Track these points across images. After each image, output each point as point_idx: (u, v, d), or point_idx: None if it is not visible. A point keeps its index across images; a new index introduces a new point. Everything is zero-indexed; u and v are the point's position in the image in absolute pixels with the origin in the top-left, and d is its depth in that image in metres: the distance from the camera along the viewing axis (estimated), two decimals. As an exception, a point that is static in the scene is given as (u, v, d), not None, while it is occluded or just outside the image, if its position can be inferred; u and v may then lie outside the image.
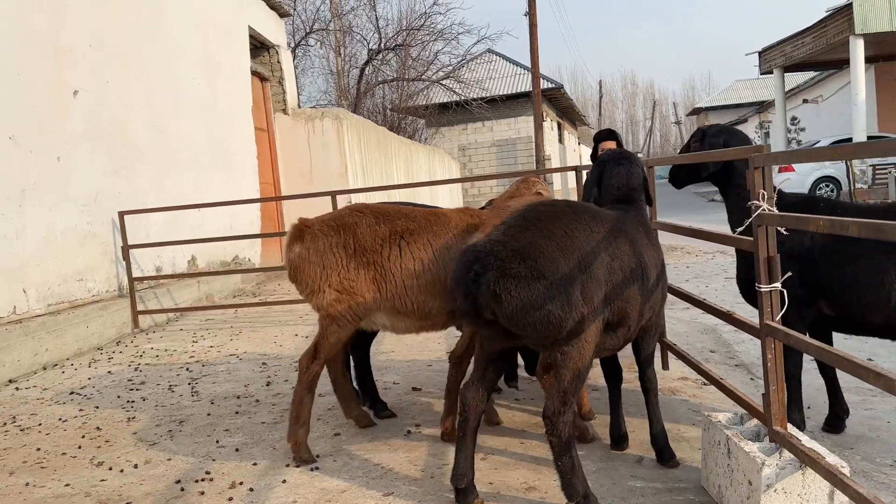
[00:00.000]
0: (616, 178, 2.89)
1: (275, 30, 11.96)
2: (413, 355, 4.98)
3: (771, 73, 23.20)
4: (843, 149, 1.83)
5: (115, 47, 7.08)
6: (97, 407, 4.26)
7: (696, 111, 55.71)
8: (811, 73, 27.01)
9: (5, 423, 4.06)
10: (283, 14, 12.44)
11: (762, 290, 2.27)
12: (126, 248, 6.76)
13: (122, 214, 6.74)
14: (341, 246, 3.03)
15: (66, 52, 6.27)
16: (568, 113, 35.47)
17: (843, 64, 20.67)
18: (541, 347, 2.40)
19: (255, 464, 3.11)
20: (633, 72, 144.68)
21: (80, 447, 3.55)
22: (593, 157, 6.58)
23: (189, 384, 4.65)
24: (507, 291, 2.13)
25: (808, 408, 3.75)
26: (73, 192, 6.26)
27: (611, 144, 5.98)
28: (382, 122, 22.09)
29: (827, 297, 2.89)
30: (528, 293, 2.13)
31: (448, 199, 21.57)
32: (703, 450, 2.68)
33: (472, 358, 2.70)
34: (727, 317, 2.77)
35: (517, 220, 2.36)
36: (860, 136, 17.77)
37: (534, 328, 2.18)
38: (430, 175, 20.60)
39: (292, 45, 20.25)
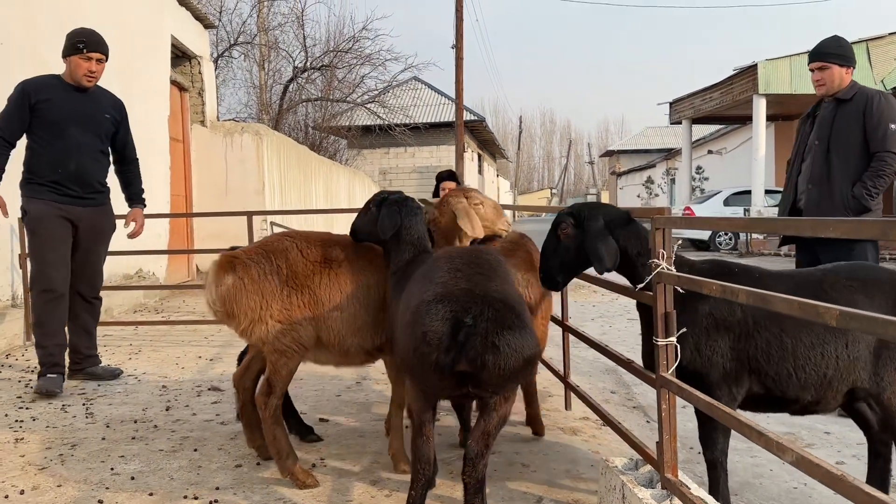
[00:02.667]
0: (418, 226, 3.02)
1: (198, 40, 11.72)
2: (322, 384, 4.94)
3: (680, 123, 24.58)
4: (737, 221, 1.99)
5: (27, 48, 6.77)
6: (-22, 427, 4.00)
7: (608, 153, 58.09)
8: (717, 126, 28.77)
9: None
10: (207, 25, 12.22)
11: (659, 342, 2.42)
12: (23, 256, 6.40)
13: (21, 220, 6.37)
14: (275, 272, 2.96)
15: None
16: (488, 145, 36.27)
17: (746, 120, 22.15)
18: (490, 395, 2.33)
19: (151, 494, 3.01)
20: (552, 110, 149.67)
21: (-44, 472, 3.32)
22: (435, 195, 6.79)
23: (83, 405, 4.43)
24: (506, 343, 2.11)
25: (699, 453, 3.97)
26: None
27: (451, 185, 6.20)
28: (304, 139, 21.89)
29: (759, 373, 2.56)
30: (522, 343, 2.15)
31: (365, 222, 21.48)
32: (599, 493, 2.79)
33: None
34: (626, 365, 2.91)
35: (468, 268, 2.40)
36: (759, 189, 19.02)
37: (516, 377, 2.23)
38: (349, 196, 20.52)
39: (215, 55, 19.86)
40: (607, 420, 3.25)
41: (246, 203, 10.94)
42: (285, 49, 23.01)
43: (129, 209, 4.92)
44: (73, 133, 4.49)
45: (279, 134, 14.71)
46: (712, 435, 2.63)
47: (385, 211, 2.98)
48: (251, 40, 21.84)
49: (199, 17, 11.63)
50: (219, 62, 20.48)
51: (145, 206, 5.00)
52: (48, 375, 4.55)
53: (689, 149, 24.26)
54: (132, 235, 4.90)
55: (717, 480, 2.65)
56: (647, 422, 4.51)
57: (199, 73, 11.78)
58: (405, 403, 3.01)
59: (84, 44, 4.47)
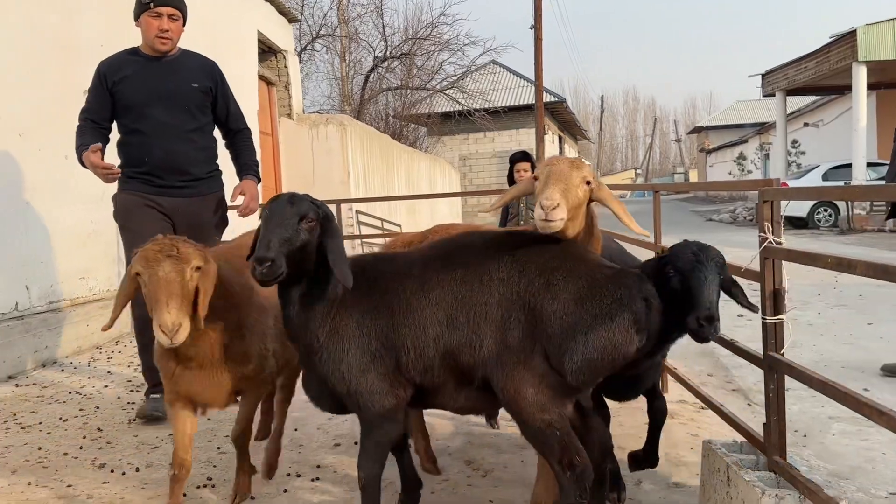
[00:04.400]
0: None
1: (283, 35, 12.03)
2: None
3: (773, 95, 23.42)
4: (853, 190, 1.87)
5: (125, 48, 7.12)
6: (97, 407, 4.28)
7: (696, 130, 56.04)
8: (813, 97, 27.23)
9: (6, 421, 4.08)
10: (291, 19, 12.52)
11: (767, 321, 2.31)
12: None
13: (114, 213, 6.74)
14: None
15: (76, 51, 6.31)
16: (569, 127, 35.70)
17: (844, 89, 20.89)
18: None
19: (256, 472, 3.14)
20: (634, 88, 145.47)
21: (81, 447, 3.57)
22: (510, 179, 6.64)
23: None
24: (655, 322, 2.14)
25: (805, 436, 3.80)
26: (77, 190, 6.28)
27: (525, 165, 6.05)
28: (385, 128, 22.18)
29: None
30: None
31: (447, 210, 21.65)
32: (701, 476, 2.71)
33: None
34: (730, 345, 2.81)
35: (564, 252, 2.26)
36: (860, 163, 17.91)
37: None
38: (430, 183, 20.67)
39: (298, 49, 20.34)
40: (708, 403, 3.15)
41: (332, 192, 11.19)
42: (365, 39, 23.35)
43: (239, 181, 4.04)
44: (156, 114, 3.77)
45: (362, 124, 14.97)
46: None
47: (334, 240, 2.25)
48: (332, 32, 22.26)
49: (283, 11, 11.93)
50: (302, 56, 20.98)
51: (259, 179, 4.13)
52: (152, 396, 3.98)
53: (783, 122, 23.11)
54: (243, 212, 3.96)
55: None
56: (749, 405, 4.35)
57: (285, 66, 12.10)
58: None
59: None
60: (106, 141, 3.86)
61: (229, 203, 4.11)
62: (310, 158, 12.38)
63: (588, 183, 2.33)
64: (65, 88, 6.12)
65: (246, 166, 4.14)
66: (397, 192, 16.47)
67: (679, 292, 2.21)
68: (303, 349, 2.33)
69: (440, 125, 25.47)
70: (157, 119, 3.78)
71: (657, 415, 2.82)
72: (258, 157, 9.34)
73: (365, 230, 12.78)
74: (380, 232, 13.00)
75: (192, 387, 2.62)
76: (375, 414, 2.24)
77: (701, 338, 2.16)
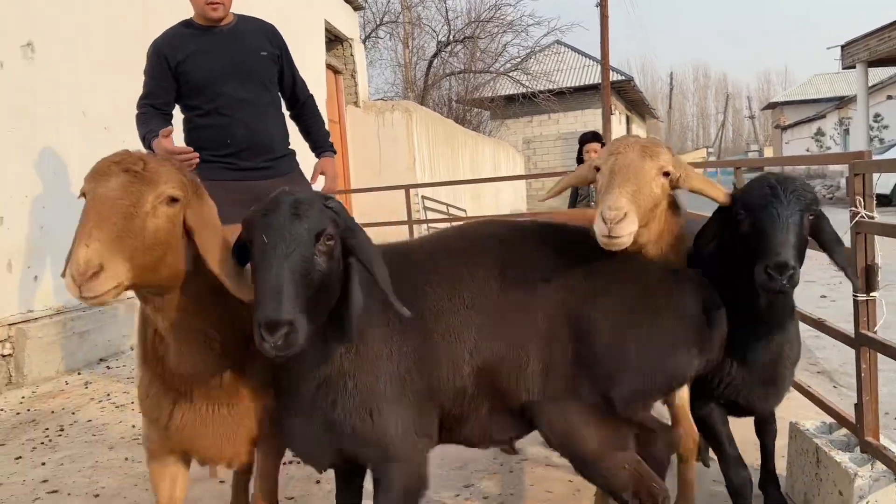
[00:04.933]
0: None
1: (349, 23, 12.17)
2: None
3: (853, 67, 22.28)
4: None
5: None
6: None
7: (771, 105, 53.92)
8: (897, 68, 25.77)
9: (101, 400, 4.32)
10: (356, 7, 12.65)
11: (859, 299, 2.23)
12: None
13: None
14: None
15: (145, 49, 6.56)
16: (637, 106, 34.89)
17: (933, 58, 19.65)
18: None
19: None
20: (705, 64, 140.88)
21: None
22: (579, 160, 6.47)
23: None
24: None
25: (886, 413, 3.64)
26: (160, 181, 6.55)
27: (596, 146, 5.88)
28: (448, 113, 22.19)
29: None
30: None
31: (512, 194, 21.54)
32: (788, 457, 2.64)
33: None
34: (817, 323, 2.71)
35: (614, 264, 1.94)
36: (950, 135, 16.88)
37: None
38: (494, 167, 20.59)
39: (363, 37, 20.54)
40: (794, 384, 3.05)
41: (398, 179, 11.30)
42: (428, 24, 23.37)
43: (317, 161, 3.73)
44: (230, 90, 3.32)
45: (427, 109, 15.02)
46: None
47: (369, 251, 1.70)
48: (396, 19, 22.37)
49: None
50: (366, 43, 21.18)
51: (335, 153, 3.82)
52: None
53: (865, 95, 21.96)
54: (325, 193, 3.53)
55: None
56: (834, 387, 4.19)
57: (351, 55, 12.25)
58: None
59: None
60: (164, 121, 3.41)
61: (311, 183, 3.68)
62: (376, 146, 12.50)
63: (667, 174, 1.88)
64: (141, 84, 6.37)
65: (322, 141, 3.75)
66: (462, 177, 16.50)
67: (750, 238, 1.86)
68: (310, 389, 1.73)
69: (503, 108, 25.28)
70: (232, 95, 3.33)
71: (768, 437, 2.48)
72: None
73: (430, 215, 12.85)
74: (445, 217, 13.05)
75: (202, 437, 1.80)
76: (408, 457, 1.75)
77: (771, 291, 1.77)
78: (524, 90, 23.72)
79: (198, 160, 3.08)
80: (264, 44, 3.42)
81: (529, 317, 1.81)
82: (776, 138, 49.75)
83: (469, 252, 1.92)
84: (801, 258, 1.82)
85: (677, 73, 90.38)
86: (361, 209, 11.65)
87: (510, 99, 24.82)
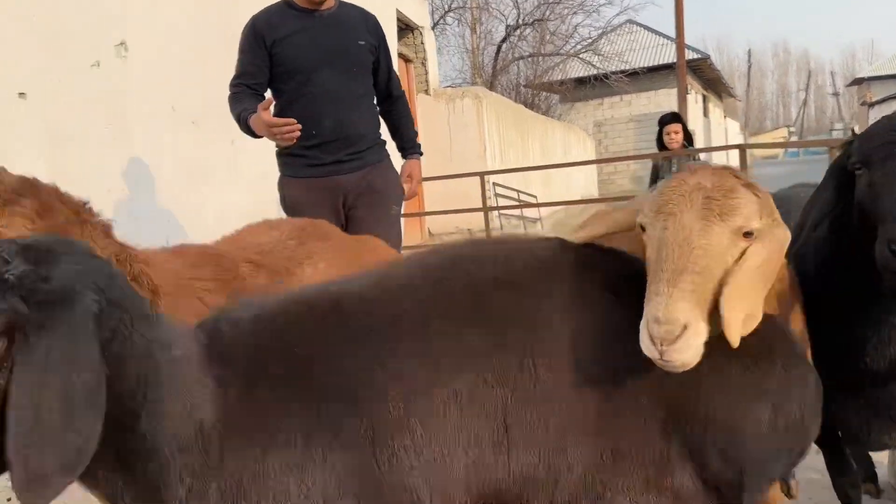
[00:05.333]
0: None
1: (419, 11, 12.23)
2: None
3: (952, 37, 20.88)
4: None
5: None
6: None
7: (856, 81, 51.27)
8: None
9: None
10: (426, -5, 12.70)
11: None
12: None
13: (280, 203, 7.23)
14: None
15: (234, 41, 6.77)
16: (713, 85, 33.75)
17: None
18: None
19: None
20: (785, 39, 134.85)
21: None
22: (659, 142, 6.26)
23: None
24: None
25: None
26: (243, 172, 6.78)
27: (676, 128, 5.68)
28: (516, 98, 22.05)
29: None
30: None
31: (583, 179, 21.26)
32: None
33: None
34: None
35: None
36: None
37: None
38: (565, 152, 20.36)
39: (431, 24, 20.60)
40: None
41: (469, 166, 11.32)
42: (497, 8, 23.20)
43: (404, 162, 3.58)
44: (323, 78, 3.12)
45: (497, 95, 14.98)
46: None
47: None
48: (463, 4, 22.30)
49: (418, -13, 12.12)
50: (434, 31, 21.22)
51: (421, 154, 3.66)
52: None
53: (965, 66, 20.58)
54: (407, 196, 3.54)
55: None
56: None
57: (422, 42, 12.31)
58: None
59: None
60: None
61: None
62: (447, 133, 12.55)
63: (748, 234, 1.32)
64: (227, 78, 6.59)
65: (410, 143, 3.60)
66: (532, 163, 16.39)
67: (868, 203, 1.42)
68: None
69: (574, 91, 24.92)
70: (324, 85, 3.13)
71: None
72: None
73: (502, 202, 12.84)
74: (516, 203, 13.02)
75: None
76: None
77: (891, 270, 1.35)
78: (595, 72, 23.30)
79: (298, 132, 2.90)
80: (363, 33, 3.25)
81: (573, 403, 1.23)
82: (862, 116, 47.25)
83: (460, 299, 1.26)
84: None
85: (755, 51, 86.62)
86: (433, 198, 11.75)
87: (581, 81, 24.43)
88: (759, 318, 1.29)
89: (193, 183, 6.07)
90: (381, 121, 3.52)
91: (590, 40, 23.11)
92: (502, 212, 11.25)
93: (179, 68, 6.03)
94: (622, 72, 23.67)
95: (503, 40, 22.31)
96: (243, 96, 3.20)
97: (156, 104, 5.80)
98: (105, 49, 5.36)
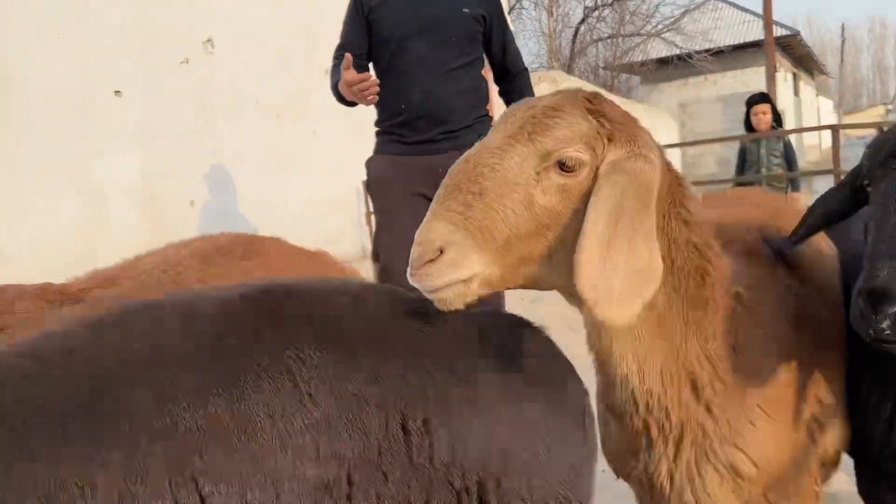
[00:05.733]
0: None
1: (495, -4, 12.11)
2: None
3: None
4: None
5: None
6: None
7: (967, 51, 47.60)
8: None
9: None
10: (503, -21, 12.55)
11: None
12: (368, 215, 7.34)
13: (364, 183, 7.33)
14: None
15: (317, 36, 6.89)
16: (804, 62, 32.09)
17: None
18: None
19: None
20: (882, 12, 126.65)
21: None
22: (746, 123, 5.90)
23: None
24: None
25: None
26: (324, 163, 6.91)
27: (765, 108, 5.35)
28: (594, 81, 21.60)
29: None
30: None
31: (666, 160, 20.63)
32: None
33: None
34: None
35: None
36: None
37: None
38: (647, 136, 19.81)
39: (508, 9, 20.42)
40: None
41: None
42: (574, -10, 22.77)
43: None
44: (416, 47, 2.88)
45: (574, 79, 14.71)
46: None
47: None
48: (541, -13, 21.99)
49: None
50: (510, 15, 21.01)
51: None
52: None
53: None
54: None
55: None
56: None
57: (498, 28, 12.19)
58: None
59: None
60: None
61: None
62: (524, 118, 12.42)
63: (565, 166, 1.12)
64: (310, 72, 6.72)
65: None
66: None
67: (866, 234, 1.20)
68: None
69: (655, 72, 24.18)
70: (416, 54, 2.88)
71: None
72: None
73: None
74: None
75: None
76: None
77: (863, 335, 1.08)
78: (678, 51, 22.53)
79: (377, 88, 2.71)
80: (470, 2, 2.94)
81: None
82: (974, 89, 43.88)
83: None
84: None
85: (849, 25, 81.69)
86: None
87: (663, 62, 23.68)
88: (653, 283, 1.09)
89: (277, 174, 6.22)
90: (491, 98, 3.19)
91: (672, 19, 22.34)
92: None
93: (263, 63, 6.18)
94: (707, 51, 22.80)
95: (581, 22, 21.87)
96: (340, 67, 2.96)
97: (241, 98, 5.97)
98: (193, 47, 5.55)
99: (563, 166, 1.11)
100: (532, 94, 2.98)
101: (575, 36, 21.84)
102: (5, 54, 4.61)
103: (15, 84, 4.65)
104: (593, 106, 1.16)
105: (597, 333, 1.27)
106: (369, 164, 3.13)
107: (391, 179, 2.99)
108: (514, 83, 3.13)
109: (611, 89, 21.30)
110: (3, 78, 4.58)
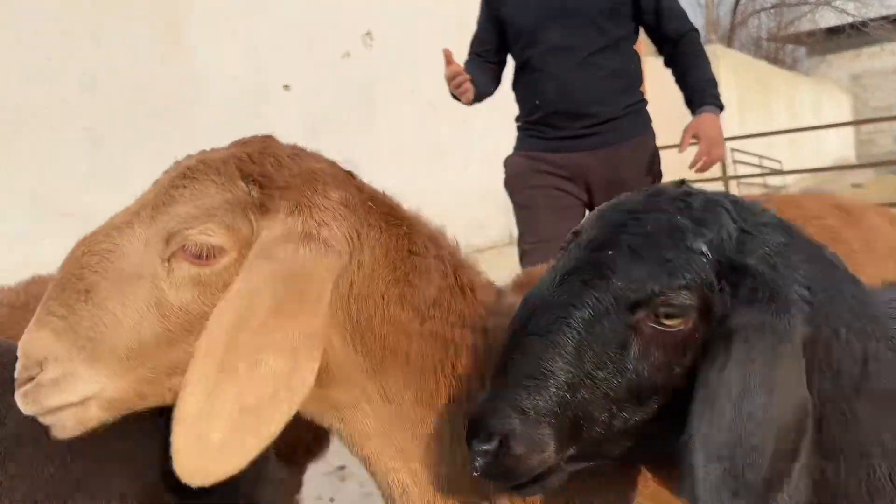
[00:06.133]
0: None
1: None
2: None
3: None
4: None
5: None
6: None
7: None
8: None
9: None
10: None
11: None
12: (517, 200, 7.37)
13: (503, 181, 7.36)
14: None
15: (467, 28, 6.93)
16: None
17: None
18: None
19: None
20: None
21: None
22: None
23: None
24: None
25: None
26: (475, 151, 6.97)
27: None
28: (756, 54, 20.16)
29: None
30: None
31: (837, 141, 18.95)
32: None
33: None
34: None
35: None
36: None
37: None
38: (814, 112, 18.26)
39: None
40: None
41: (706, 131, 10.59)
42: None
43: (692, 118, 2.60)
44: (549, 37, 2.58)
45: (735, 52, 13.83)
46: None
47: None
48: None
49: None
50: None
51: (721, 107, 2.62)
52: None
53: None
54: (701, 167, 2.58)
55: None
56: None
57: (652, 3, 11.71)
58: None
59: None
60: (493, 78, 2.86)
61: (678, 152, 2.73)
62: (678, 97, 11.82)
63: (195, 253, 0.88)
64: (459, 60, 6.78)
65: (696, 91, 2.63)
66: (776, 124, 14.92)
67: None
68: None
69: (824, 42, 22.20)
70: (549, 43, 2.59)
71: None
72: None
73: (741, 170, 11.87)
74: (759, 171, 11.96)
75: None
76: None
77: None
78: (851, 19, 20.52)
79: (469, 85, 2.52)
80: None
81: None
82: None
83: None
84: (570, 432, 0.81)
85: None
86: (665, 167, 11.19)
87: (833, 31, 21.70)
88: (273, 424, 0.80)
89: (431, 162, 6.35)
90: (644, 83, 2.85)
91: (846, -17, 20.37)
92: (742, 181, 10.39)
93: (418, 52, 6.31)
94: (885, 17, 20.59)
95: (742, -9, 20.49)
96: (469, 65, 2.79)
97: (398, 88, 6.14)
98: (353, 40, 5.77)
99: (193, 253, 0.86)
100: (695, 57, 2.65)
101: (735, 6, 20.48)
102: (195, 54, 4.99)
103: (200, 83, 5.04)
104: (251, 165, 0.92)
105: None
106: (506, 162, 2.94)
107: (527, 175, 2.77)
108: (679, 47, 2.64)
109: (775, 62, 19.79)
110: (190, 78, 4.98)
